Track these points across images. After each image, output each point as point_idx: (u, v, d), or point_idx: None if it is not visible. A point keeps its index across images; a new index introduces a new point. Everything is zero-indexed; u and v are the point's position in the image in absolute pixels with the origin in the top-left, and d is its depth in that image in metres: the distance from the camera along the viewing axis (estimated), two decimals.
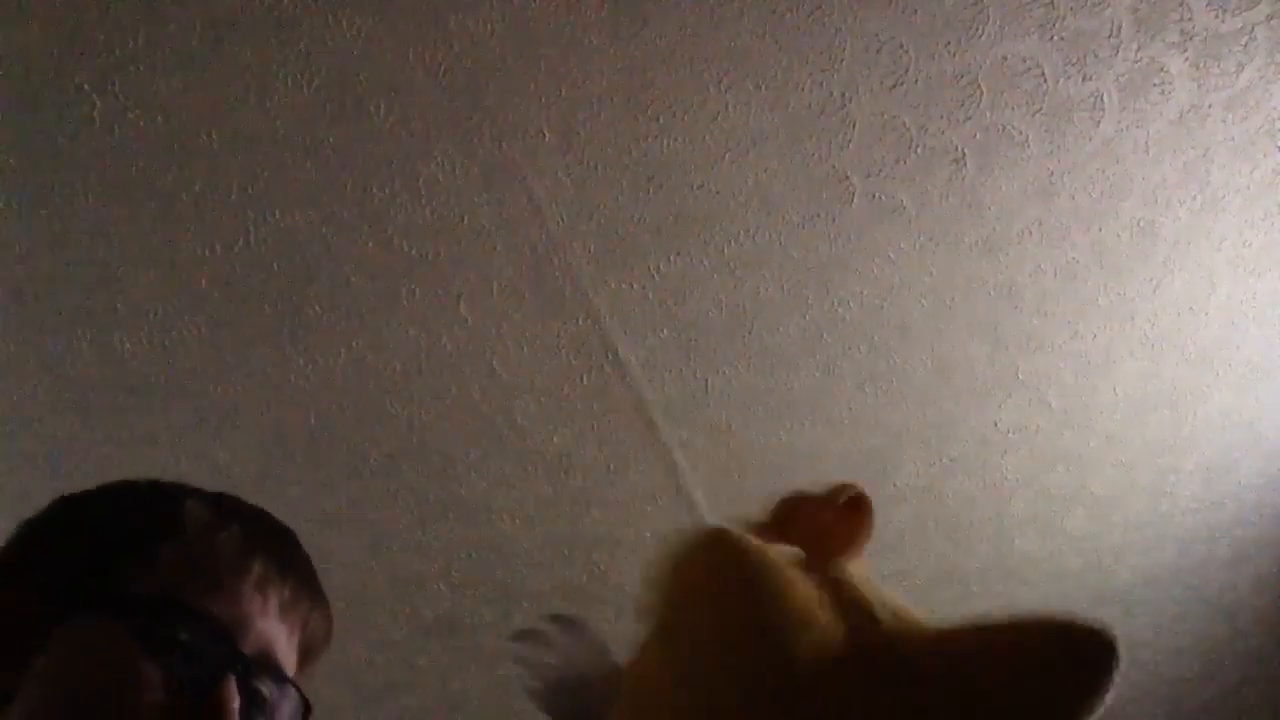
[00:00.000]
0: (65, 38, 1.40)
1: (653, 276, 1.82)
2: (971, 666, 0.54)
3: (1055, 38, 1.57)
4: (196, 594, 0.62)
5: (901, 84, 1.60)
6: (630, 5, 1.46)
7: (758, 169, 1.69)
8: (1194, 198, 1.84)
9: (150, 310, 1.75)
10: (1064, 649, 0.53)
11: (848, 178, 1.72)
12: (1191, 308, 2.04)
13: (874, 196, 1.76)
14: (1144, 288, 1.99)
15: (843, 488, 0.64)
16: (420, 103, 1.53)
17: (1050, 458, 2.33)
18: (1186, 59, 1.62)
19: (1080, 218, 1.84)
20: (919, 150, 1.70)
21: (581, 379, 1.98)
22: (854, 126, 1.65)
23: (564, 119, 1.58)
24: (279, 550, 0.69)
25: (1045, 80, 1.62)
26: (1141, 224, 1.87)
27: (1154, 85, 1.65)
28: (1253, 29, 1.60)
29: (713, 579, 0.60)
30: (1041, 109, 1.66)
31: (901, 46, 1.55)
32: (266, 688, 0.62)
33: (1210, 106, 1.70)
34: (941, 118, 1.65)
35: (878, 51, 1.55)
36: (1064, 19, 1.55)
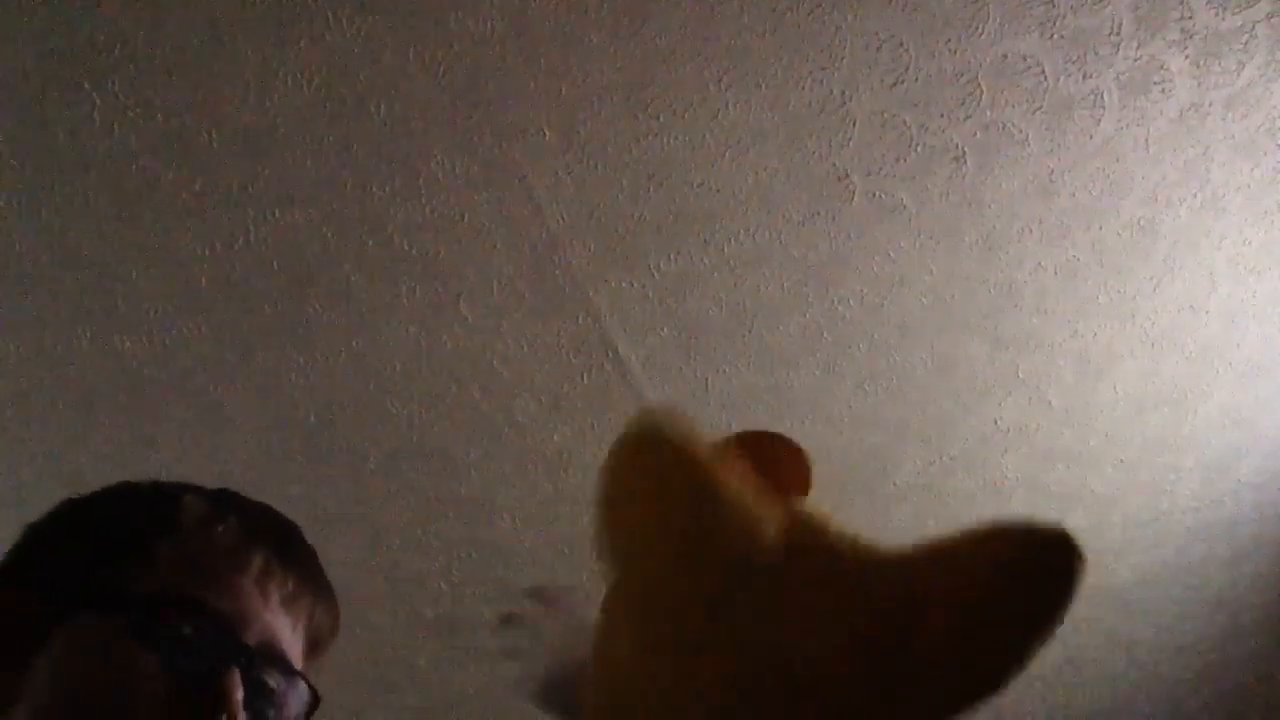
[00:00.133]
0: (65, 38, 1.40)
1: (653, 275, 1.82)
2: (923, 568, 0.51)
3: (1055, 36, 1.57)
4: (196, 588, 0.62)
5: (902, 82, 1.60)
6: (630, 5, 1.46)
7: (758, 167, 1.69)
8: (1194, 196, 1.84)
9: (150, 310, 1.75)
10: (1025, 552, 0.50)
11: (848, 176, 1.72)
12: (1192, 306, 2.04)
13: (874, 195, 1.76)
14: (1144, 286, 1.99)
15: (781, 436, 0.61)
16: (420, 102, 1.53)
17: (1050, 456, 2.33)
18: (1187, 57, 1.62)
19: (1080, 216, 1.84)
20: (919, 148, 1.70)
21: (581, 378, 1.98)
22: (854, 125, 1.65)
23: (564, 118, 1.58)
24: (280, 543, 0.69)
25: (1045, 78, 1.62)
26: (1142, 222, 1.87)
27: (1154, 83, 1.65)
28: (1253, 27, 1.60)
29: (646, 475, 0.57)
30: (1042, 107, 1.66)
31: (901, 45, 1.55)
32: (273, 679, 0.63)
33: (1211, 105, 1.70)
34: (942, 116, 1.65)
35: (878, 50, 1.55)
36: (1064, 17, 1.55)
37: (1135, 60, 1.62)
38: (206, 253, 1.68)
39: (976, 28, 1.54)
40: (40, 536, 0.67)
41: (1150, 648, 2.92)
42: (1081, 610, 2.74)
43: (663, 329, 1.92)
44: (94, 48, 1.41)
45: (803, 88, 1.59)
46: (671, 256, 1.80)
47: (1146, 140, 1.74)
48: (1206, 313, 2.06)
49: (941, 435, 2.23)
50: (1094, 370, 2.14)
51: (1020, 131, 1.69)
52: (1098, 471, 2.38)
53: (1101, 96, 1.66)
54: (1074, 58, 1.60)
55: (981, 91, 1.63)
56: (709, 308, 1.89)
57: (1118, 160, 1.76)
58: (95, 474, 1.94)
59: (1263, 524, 2.60)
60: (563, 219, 1.71)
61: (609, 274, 1.81)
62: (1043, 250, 1.89)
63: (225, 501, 0.70)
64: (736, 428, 2.20)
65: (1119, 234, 1.88)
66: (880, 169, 1.72)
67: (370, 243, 1.70)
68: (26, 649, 0.60)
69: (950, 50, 1.57)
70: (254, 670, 0.61)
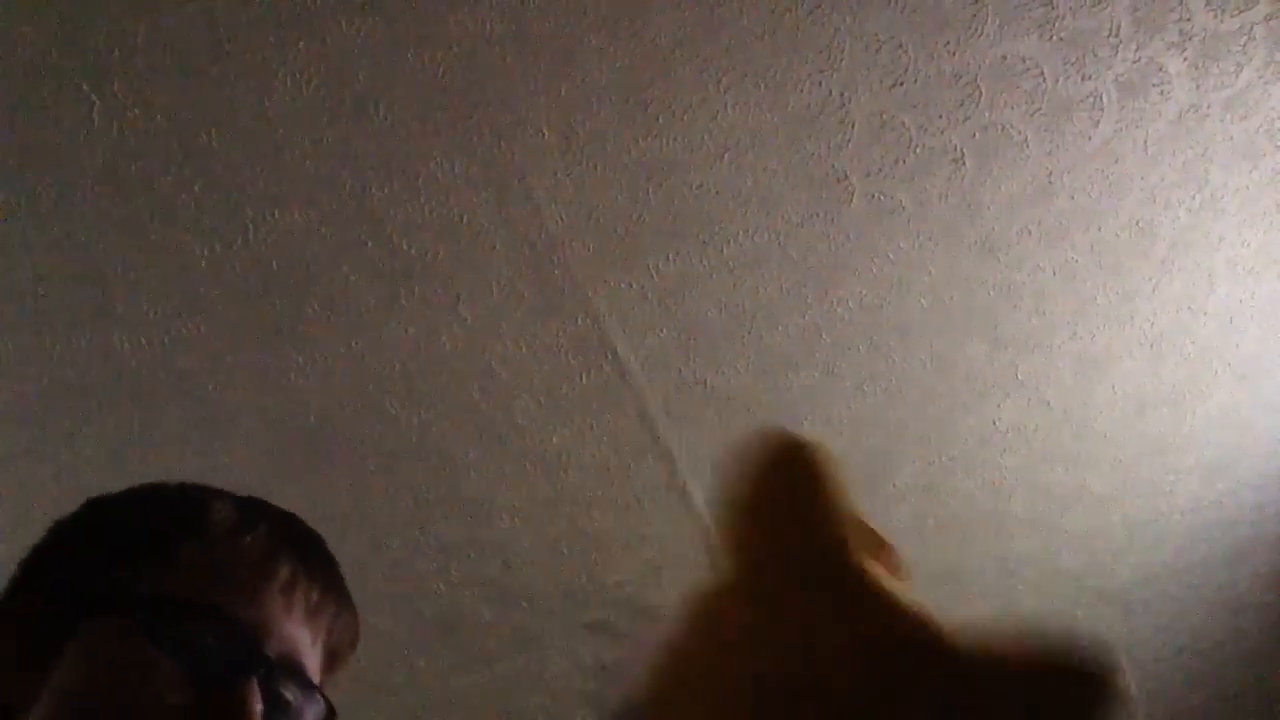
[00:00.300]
0: (65, 38, 1.40)
1: (652, 276, 1.82)
2: (993, 655, 0.52)
3: (1054, 37, 1.57)
4: (219, 595, 0.61)
5: (901, 84, 1.60)
6: (630, 5, 1.46)
7: (757, 169, 1.69)
8: (1193, 197, 1.84)
9: (150, 310, 1.75)
10: (1076, 668, 0.51)
11: (847, 177, 1.72)
12: (1190, 307, 2.04)
13: (873, 196, 1.76)
14: (1143, 287, 1.99)
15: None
16: (420, 102, 1.53)
17: (1049, 457, 2.33)
18: (1186, 59, 1.62)
19: (1079, 217, 1.84)
20: (918, 150, 1.70)
21: (581, 379, 1.98)
22: (853, 126, 1.65)
23: (564, 119, 1.58)
24: (306, 554, 0.68)
25: (1044, 80, 1.62)
26: (1140, 224, 1.87)
27: (1153, 85, 1.65)
28: (1252, 29, 1.60)
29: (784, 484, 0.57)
30: (1040, 109, 1.66)
31: (901, 46, 1.55)
32: (290, 692, 0.61)
33: (1209, 106, 1.70)
34: (941, 117, 1.65)
35: (877, 51, 1.55)
36: (1063, 19, 1.55)
37: (1134, 62, 1.62)
38: (206, 253, 1.68)
39: (976, 29, 1.55)
40: (63, 537, 0.67)
41: (1150, 648, 2.92)
42: (1081, 610, 2.74)
43: (662, 329, 1.92)
44: (94, 48, 1.41)
45: (802, 89, 1.59)
46: (670, 257, 1.80)
47: (1145, 142, 1.74)
48: (1205, 314, 2.06)
49: (941, 436, 2.23)
50: (1093, 371, 2.14)
51: (1019, 133, 1.69)
52: (1097, 472, 2.38)
53: (1100, 98, 1.66)
54: (1073, 59, 1.60)
55: (980, 93, 1.63)
56: (708, 309, 1.89)
57: (1116, 162, 1.76)
58: (95, 474, 1.94)
59: (1262, 524, 2.60)
60: (562, 219, 1.71)
61: (608, 275, 1.81)
62: (1041, 251, 1.89)
63: (254, 509, 0.69)
64: (736, 428, 2.16)
65: (1118, 235, 1.88)
66: (879, 170, 1.72)
67: (369, 243, 1.70)
68: (46, 649, 0.59)
69: (949, 52, 1.57)
70: (273, 682, 0.60)
